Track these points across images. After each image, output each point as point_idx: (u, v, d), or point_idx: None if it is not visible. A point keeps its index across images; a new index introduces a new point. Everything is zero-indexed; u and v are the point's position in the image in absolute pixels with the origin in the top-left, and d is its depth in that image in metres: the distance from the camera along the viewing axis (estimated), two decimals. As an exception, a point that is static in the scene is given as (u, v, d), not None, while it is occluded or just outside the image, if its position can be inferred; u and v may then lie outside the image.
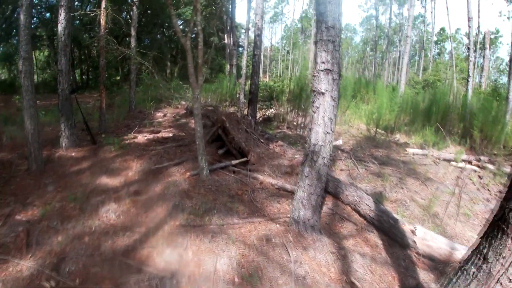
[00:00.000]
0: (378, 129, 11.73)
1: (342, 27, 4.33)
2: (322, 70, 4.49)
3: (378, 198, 6.84)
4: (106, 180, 6.96)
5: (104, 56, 10.80)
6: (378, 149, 10.53)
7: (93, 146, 9.18)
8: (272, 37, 52.15)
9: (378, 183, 7.71)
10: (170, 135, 10.25)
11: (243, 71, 14.02)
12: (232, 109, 14.66)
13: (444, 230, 6.20)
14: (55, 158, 8.34)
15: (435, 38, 44.60)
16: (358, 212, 6.21)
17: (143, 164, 7.65)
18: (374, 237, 5.68)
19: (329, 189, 6.73)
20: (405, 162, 9.49)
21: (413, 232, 5.43)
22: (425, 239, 5.33)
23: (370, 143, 10.98)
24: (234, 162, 7.56)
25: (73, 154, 8.61)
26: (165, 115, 13.46)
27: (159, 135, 10.27)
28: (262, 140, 8.71)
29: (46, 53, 26.92)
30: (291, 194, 6.75)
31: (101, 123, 10.85)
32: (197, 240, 4.83)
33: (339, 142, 10.59)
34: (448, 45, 45.06)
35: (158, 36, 25.85)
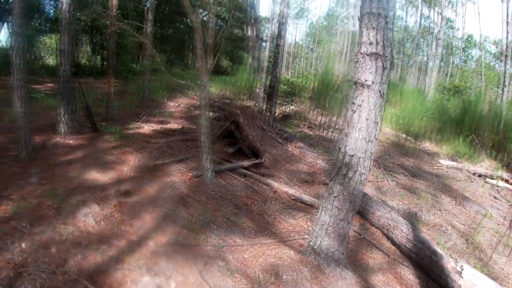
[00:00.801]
0: (407, 136, 10.36)
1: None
2: (367, 54, 3.23)
3: (413, 221, 5.56)
4: (96, 175, 5.87)
5: (114, 38, 9.73)
6: (408, 158, 9.18)
7: (94, 134, 8.14)
8: (296, 33, 50.35)
9: (412, 201, 6.42)
10: (179, 127, 9.12)
11: (264, 64, 12.80)
12: (250, 104, 13.47)
13: (491, 269, 4.94)
14: (50, 145, 7.32)
15: (462, 44, 42.24)
16: (390, 239, 4.98)
17: (142, 158, 6.54)
18: (409, 274, 4.47)
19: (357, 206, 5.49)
20: (438, 176, 8.15)
21: (459, 273, 4.16)
22: (475, 284, 4.06)
23: (399, 150, 9.64)
24: (245, 163, 6.37)
25: (70, 141, 7.58)
26: (178, 106, 12.38)
27: (167, 126, 9.17)
28: (279, 140, 7.50)
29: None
30: (309, 207, 5.55)
31: (108, 110, 9.82)
32: (186, 267, 3.67)
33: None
34: (475, 53, 42.74)
35: (180, 25, 24.81)
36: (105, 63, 23.41)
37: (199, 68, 5.13)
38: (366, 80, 3.26)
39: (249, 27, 23.26)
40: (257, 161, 6.55)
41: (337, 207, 3.64)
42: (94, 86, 15.59)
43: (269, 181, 6.00)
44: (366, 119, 3.31)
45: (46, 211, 4.77)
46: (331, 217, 3.70)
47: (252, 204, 5.36)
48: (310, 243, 4.02)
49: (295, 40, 49.88)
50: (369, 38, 3.24)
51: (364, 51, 3.26)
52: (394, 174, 7.60)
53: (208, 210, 4.77)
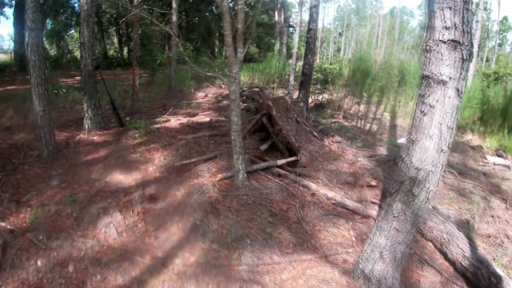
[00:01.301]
0: None
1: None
2: (443, 42, 2.48)
3: (467, 232, 4.79)
4: (119, 177, 5.40)
5: (137, 28, 9.21)
6: (452, 152, 8.24)
7: (120, 129, 7.70)
8: (324, 18, 48.71)
9: (463, 205, 5.63)
10: (207, 119, 8.55)
11: (294, 50, 11.98)
12: (280, 92, 12.73)
13: None
14: (74, 142, 6.93)
15: (496, 27, 39.21)
16: (444, 254, 4.27)
17: (168, 156, 6.02)
18: (465, 296, 3.74)
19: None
20: (486, 174, 7.23)
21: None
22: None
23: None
24: (279, 162, 5.72)
25: (95, 138, 7.17)
26: (206, 96, 11.82)
27: (195, 119, 8.61)
28: (315, 134, 6.78)
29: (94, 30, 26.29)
30: (352, 213, 4.87)
31: (134, 103, 9.37)
32: (217, 295, 3.10)
33: (405, 140, 8.39)
34: (510, 36, 39.75)
35: (207, 13, 24.13)
36: (131, 54, 23.23)
37: (228, 57, 4.47)
38: (441, 75, 2.50)
39: (276, 12, 22.29)
40: (292, 159, 5.88)
41: (396, 229, 2.94)
42: (121, 77, 15.30)
43: (307, 182, 5.33)
44: (440, 123, 2.56)
45: (64, 220, 4.34)
46: (388, 239, 3.01)
47: (289, 210, 4.72)
48: (360, 266, 3.35)
49: (323, 24, 48.24)
50: (444, 21, 2.47)
51: (438, 38, 2.50)
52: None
53: (240, 220, 4.17)
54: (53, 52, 24.16)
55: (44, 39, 23.93)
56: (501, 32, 41.36)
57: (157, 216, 4.34)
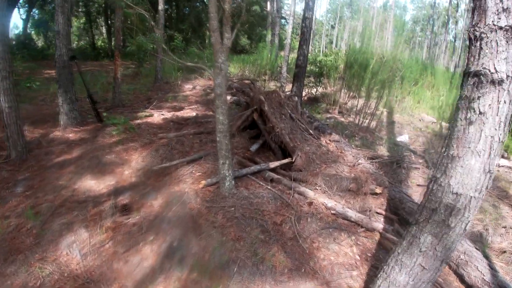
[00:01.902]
0: (446, 124, 8.71)
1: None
2: (500, 28, 1.78)
3: (481, 246, 4.20)
4: (89, 183, 4.67)
5: (120, 16, 8.36)
6: None
7: (98, 124, 6.93)
8: (316, 9, 47.71)
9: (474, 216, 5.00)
10: (193, 114, 7.81)
11: (287, 41, 11.21)
12: (272, 85, 11.98)
13: None
14: (47, 140, 6.16)
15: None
16: (460, 276, 3.64)
17: (147, 157, 5.29)
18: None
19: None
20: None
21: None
22: None
23: (442, 142, 8.06)
24: (272, 165, 5.03)
25: (70, 135, 6.40)
26: (194, 88, 11.03)
27: (180, 113, 7.86)
28: (311, 131, 6.09)
29: (82, 21, 25.22)
30: (354, 225, 4.23)
31: (115, 96, 8.56)
32: None
33: (405, 138, 7.78)
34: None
35: (197, 3, 23.11)
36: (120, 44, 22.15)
37: (213, 45, 3.73)
38: (496, 71, 1.81)
39: (268, 3, 21.39)
40: (286, 161, 5.20)
41: (421, 266, 2.28)
42: (108, 68, 14.34)
43: (303, 188, 4.65)
44: (491, 137, 1.88)
45: (24, 238, 3.64)
46: (410, 277, 2.35)
47: (283, 223, 4.04)
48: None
49: (315, 16, 47.20)
50: (501, 1, 1.78)
51: (492, 23, 1.80)
52: None
53: (226, 240, 3.48)
54: (40, 43, 23.00)
55: (32, 30, 22.80)
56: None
57: (128, 234, 3.62)
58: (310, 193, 4.60)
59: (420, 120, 9.48)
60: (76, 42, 23.80)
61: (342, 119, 8.40)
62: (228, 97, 9.35)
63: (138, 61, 13.35)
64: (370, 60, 7.73)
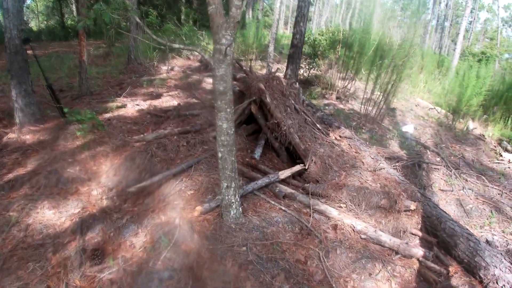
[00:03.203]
0: (449, 113, 7.72)
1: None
2: None
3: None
4: (47, 214, 3.42)
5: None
6: (462, 145, 6.76)
7: (62, 120, 5.52)
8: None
9: (506, 227, 4.28)
10: (174, 103, 6.51)
11: (275, 17, 9.85)
12: (258, 65, 10.67)
13: None
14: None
15: (470, 4, 37.91)
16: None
17: (121, 169, 4.04)
18: None
19: (459, 253, 3.34)
20: (505, 175, 5.81)
21: None
22: None
23: (449, 134, 7.16)
24: (282, 175, 3.91)
25: (27, 137, 5.03)
26: (172, 69, 9.57)
27: (158, 102, 6.53)
28: (318, 126, 4.98)
29: (52, -1, 22.57)
30: (388, 251, 3.25)
31: (82, 82, 7.06)
32: None
33: (410, 128, 6.82)
34: (481, 15, 39.14)
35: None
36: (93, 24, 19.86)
37: (211, 18, 2.45)
38: None
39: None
40: (298, 168, 4.09)
41: None
42: (77, 48, 12.48)
43: (323, 206, 3.59)
44: None
45: None
46: None
47: (308, 260, 2.99)
48: None
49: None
50: None
51: None
52: (462, 175, 5.25)
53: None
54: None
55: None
56: (473, 9, 40.49)
57: (100, 300, 2.45)
58: (333, 212, 3.54)
59: (416, 105, 8.55)
60: (45, 22, 21.20)
61: (342, 106, 7.32)
62: (212, 80, 8.05)
63: (109, 40, 11.66)
64: (371, 41, 6.62)
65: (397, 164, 4.87)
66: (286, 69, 7.44)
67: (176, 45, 2.58)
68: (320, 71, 8.30)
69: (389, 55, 6.09)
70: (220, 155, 2.76)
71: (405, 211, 3.71)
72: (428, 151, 5.85)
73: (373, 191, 3.72)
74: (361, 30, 7.06)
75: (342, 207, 3.65)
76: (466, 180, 5.13)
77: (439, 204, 4.55)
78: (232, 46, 2.51)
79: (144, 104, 6.31)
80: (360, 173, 4.08)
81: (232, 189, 2.89)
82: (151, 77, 8.40)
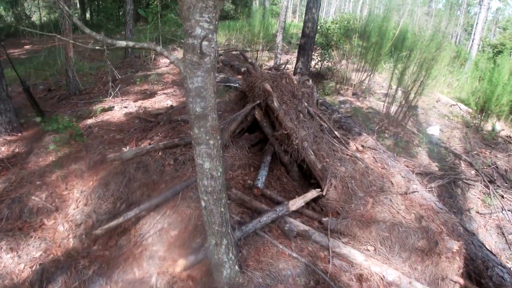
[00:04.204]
0: (475, 112, 6.60)
1: None
2: None
3: None
4: (5, 259, 2.65)
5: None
6: (493, 150, 5.74)
7: (41, 126, 4.70)
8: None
9: None
10: (169, 102, 5.65)
11: (283, 4, 8.80)
12: (265, 55, 9.68)
13: None
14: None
15: None
16: None
17: (93, 197, 3.24)
18: None
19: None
20: None
21: None
22: None
23: (477, 136, 6.12)
24: (293, 206, 3.01)
25: (2, 148, 4.30)
26: (171, 62, 8.64)
27: (150, 102, 5.68)
28: (337, 133, 4.08)
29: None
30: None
31: (69, 81, 6.24)
32: None
33: (436, 130, 5.84)
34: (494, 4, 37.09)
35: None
36: (94, 15, 18.83)
37: None
38: None
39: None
40: (314, 195, 3.19)
41: None
42: (77, 42, 11.60)
43: (345, 249, 2.72)
44: None
45: None
46: None
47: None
48: None
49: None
50: None
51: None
52: (498, 190, 4.30)
53: None
54: (9, 19, 19.48)
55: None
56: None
57: None
58: (358, 257, 2.68)
59: (437, 101, 7.49)
60: (47, 15, 20.23)
61: (359, 104, 6.34)
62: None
63: (107, 33, 10.80)
64: (392, 31, 5.59)
65: (432, 185, 3.94)
66: (297, 61, 6.48)
67: (123, 43, 1.71)
68: (334, 63, 7.31)
69: (417, 47, 5.09)
70: (203, 204, 1.90)
71: (449, 252, 2.82)
72: (460, 161, 4.89)
73: (409, 229, 2.82)
74: (381, 17, 6.03)
75: (369, 250, 2.77)
76: (503, 197, 4.20)
77: (478, 233, 3.67)
78: (214, 39, 1.61)
79: (134, 106, 5.45)
80: (391, 199, 3.19)
81: (223, 246, 2.03)
82: (147, 72, 7.52)
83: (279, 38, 8.77)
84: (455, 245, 2.80)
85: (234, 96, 5.23)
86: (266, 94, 3.89)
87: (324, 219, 2.97)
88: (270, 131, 3.96)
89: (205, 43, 1.56)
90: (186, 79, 1.64)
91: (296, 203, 3.01)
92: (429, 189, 3.74)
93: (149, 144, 3.96)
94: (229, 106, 4.93)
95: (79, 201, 3.17)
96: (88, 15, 19.38)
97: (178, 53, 9.78)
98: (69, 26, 6.06)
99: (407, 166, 4.14)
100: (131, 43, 1.76)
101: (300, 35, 6.67)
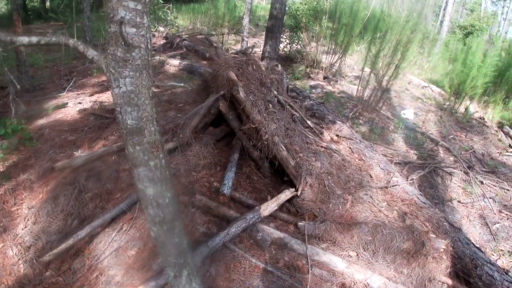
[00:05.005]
0: (451, 96, 6.40)
1: None
2: None
3: None
4: None
5: None
6: (468, 133, 5.62)
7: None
8: None
9: None
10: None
11: (248, -17, 8.28)
12: (232, 39, 9.15)
13: None
14: None
15: None
16: None
17: (42, 213, 2.79)
18: None
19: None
20: None
21: None
22: None
23: (452, 119, 5.97)
24: (265, 210, 2.67)
25: None
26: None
27: (107, 96, 5.10)
28: (309, 123, 3.75)
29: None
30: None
31: (22, 77, 5.55)
32: None
33: (410, 114, 5.65)
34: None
35: None
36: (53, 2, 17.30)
37: None
38: None
39: None
40: (288, 196, 2.86)
41: None
42: (37, 32, 10.50)
43: (325, 256, 2.44)
44: None
45: None
46: None
47: None
48: None
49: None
50: None
51: None
52: (477, 176, 4.16)
53: None
54: None
55: None
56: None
57: None
58: (339, 264, 2.41)
59: (409, 83, 7.27)
60: (4, 7, 18.43)
61: (331, 88, 6.02)
62: (177, 62, 6.62)
63: (64, 21, 9.86)
64: (363, 11, 5.24)
65: (413, 177, 3.70)
66: (265, 45, 6.05)
67: (25, 39, 1.28)
68: (304, 46, 6.92)
69: (392, 29, 4.78)
70: (153, 235, 1.51)
71: (436, 252, 2.59)
72: (438, 147, 4.70)
73: (393, 230, 2.56)
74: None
75: (351, 256, 2.49)
76: (482, 183, 4.04)
77: (462, 224, 3.48)
78: (146, 25, 1.20)
79: (89, 101, 4.89)
80: (371, 196, 2.91)
81: (183, 278, 1.67)
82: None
83: (245, 21, 8.26)
84: (442, 244, 2.57)
85: (197, 86, 4.77)
86: (231, 83, 3.48)
87: (300, 223, 2.65)
88: (237, 124, 3.57)
89: (131, 30, 1.15)
90: (111, 82, 1.22)
91: (269, 207, 2.67)
92: (410, 181, 3.49)
93: (103, 145, 3.49)
94: (191, 96, 4.47)
95: (28, 219, 2.71)
96: (48, 4, 17.90)
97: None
98: (18, 17, 5.38)
99: (385, 156, 3.89)
100: (35, 39, 1.31)
101: (268, 17, 6.22)
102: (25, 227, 2.72)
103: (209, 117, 3.75)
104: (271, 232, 2.56)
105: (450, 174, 4.03)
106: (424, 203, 2.97)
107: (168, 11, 10.67)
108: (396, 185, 3.09)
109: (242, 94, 3.36)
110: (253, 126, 3.23)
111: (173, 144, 3.30)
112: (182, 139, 3.32)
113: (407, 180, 3.40)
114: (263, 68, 4.05)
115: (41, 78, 6.18)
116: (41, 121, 4.34)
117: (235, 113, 3.62)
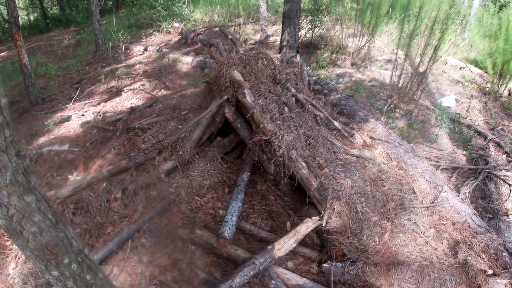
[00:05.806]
0: (494, 78, 5.39)
1: None
2: None
3: None
4: None
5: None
6: None
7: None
8: None
9: None
10: (134, 101, 4.70)
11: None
12: (250, 29, 8.51)
13: None
14: None
15: None
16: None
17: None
18: None
19: None
20: None
21: None
22: None
23: (497, 106, 5.00)
24: (279, 250, 2.11)
25: None
26: (145, 49, 7.55)
27: (114, 104, 4.74)
28: (337, 125, 3.13)
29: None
30: None
31: (29, 91, 5.33)
32: None
33: (452, 101, 4.80)
34: None
35: None
36: (66, 8, 17.34)
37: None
38: None
39: None
40: (311, 227, 2.28)
41: None
42: (54, 39, 10.37)
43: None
44: None
45: None
46: None
47: None
48: None
49: None
50: None
51: None
52: None
53: None
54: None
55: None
56: None
57: None
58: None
59: (445, 64, 6.29)
60: (25, 17, 18.74)
61: (360, 76, 5.28)
62: (189, 59, 6.16)
63: (77, 26, 9.71)
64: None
65: (465, 190, 2.96)
66: (282, 33, 5.38)
67: None
68: (327, 30, 6.18)
69: (429, 4, 3.99)
70: None
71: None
72: (489, 144, 3.87)
73: (442, 271, 1.92)
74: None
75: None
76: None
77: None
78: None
79: (94, 112, 4.52)
80: (415, 221, 2.27)
81: None
82: (116, 66, 6.51)
83: (263, 8, 7.61)
84: (501, 286, 1.91)
85: (204, 88, 4.24)
86: (236, 85, 2.92)
87: (325, 265, 2.07)
88: (246, 133, 3.00)
89: None
90: None
91: (285, 246, 2.11)
92: (462, 196, 2.77)
93: (99, 166, 3.06)
94: (197, 101, 3.94)
95: (18, 257, 2.36)
96: (67, 11, 18.08)
97: (155, 37, 8.72)
98: (18, 30, 5.08)
99: (428, 159, 3.18)
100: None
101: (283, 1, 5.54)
102: (16, 266, 2.37)
103: (215, 126, 3.22)
104: (288, 277, 2.00)
105: (504, 180, 3.21)
106: (480, 226, 2.29)
107: (183, 5, 10.20)
108: (445, 202, 2.42)
109: (249, 99, 2.79)
110: (265, 138, 2.66)
111: (172, 163, 2.81)
112: (182, 157, 2.81)
113: (457, 194, 2.69)
114: (277, 62, 3.44)
115: (51, 89, 5.94)
116: (43, 139, 4.01)
117: (244, 119, 3.05)
